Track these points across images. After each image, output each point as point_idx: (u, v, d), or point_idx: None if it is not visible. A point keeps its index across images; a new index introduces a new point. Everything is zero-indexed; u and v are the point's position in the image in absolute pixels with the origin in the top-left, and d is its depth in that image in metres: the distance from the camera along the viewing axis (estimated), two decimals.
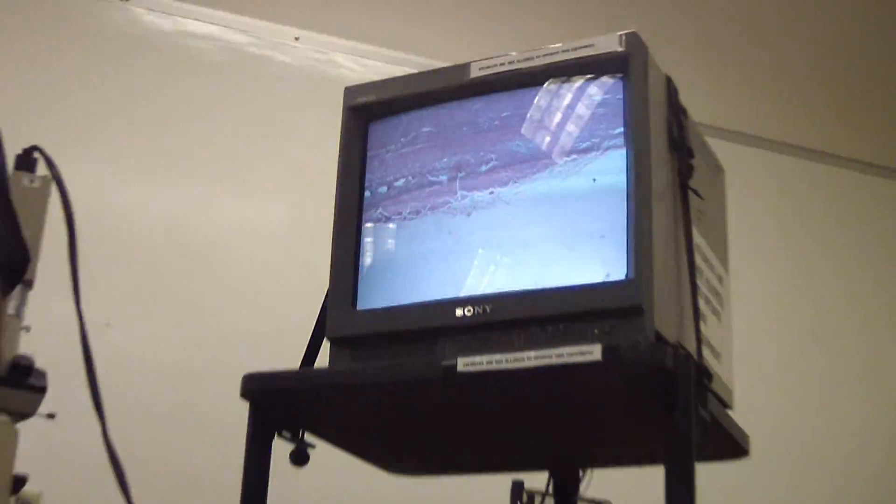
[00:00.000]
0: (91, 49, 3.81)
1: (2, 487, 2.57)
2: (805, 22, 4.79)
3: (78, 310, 2.61)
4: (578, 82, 2.23)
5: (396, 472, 2.77)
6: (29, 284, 2.70)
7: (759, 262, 4.19)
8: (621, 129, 2.15)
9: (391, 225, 2.35)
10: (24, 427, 2.64)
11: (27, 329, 2.67)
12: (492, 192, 2.25)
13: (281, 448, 2.35)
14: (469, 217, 2.25)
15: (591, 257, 2.12)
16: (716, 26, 4.61)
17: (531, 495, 3.24)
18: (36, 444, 2.71)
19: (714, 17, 4.61)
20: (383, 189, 2.37)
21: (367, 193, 2.38)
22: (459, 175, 2.30)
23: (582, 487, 2.73)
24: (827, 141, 4.67)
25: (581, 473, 2.72)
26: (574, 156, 2.19)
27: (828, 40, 4.80)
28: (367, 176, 2.39)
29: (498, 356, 2.04)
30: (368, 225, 2.37)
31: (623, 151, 2.14)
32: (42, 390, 2.64)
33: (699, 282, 2.21)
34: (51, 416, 2.71)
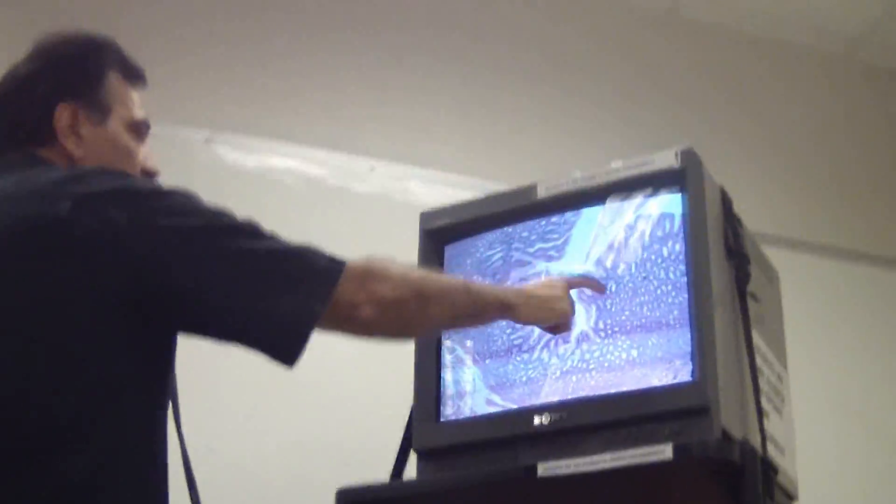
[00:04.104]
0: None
1: None
2: (854, 129, 4.90)
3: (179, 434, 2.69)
4: (639, 197, 2.34)
5: None
6: None
7: (815, 359, 4.23)
8: (681, 240, 2.25)
9: (468, 342, 2.45)
10: None
11: None
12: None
13: None
14: (540, 330, 2.34)
15: (658, 361, 2.22)
16: (768, 137, 4.71)
17: None
18: None
19: (766, 129, 4.72)
20: None
21: None
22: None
23: None
24: (876, 243, 4.75)
25: None
26: (637, 267, 2.30)
27: (878, 146, 4.91)
28: None
29: (576, 460, 2.12)
30: (448, 343, 2.46)
31: (684, 261, 2.24)
32: None
33: (760, 381, 2.28)
34: None
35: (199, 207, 1.95)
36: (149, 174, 2.20)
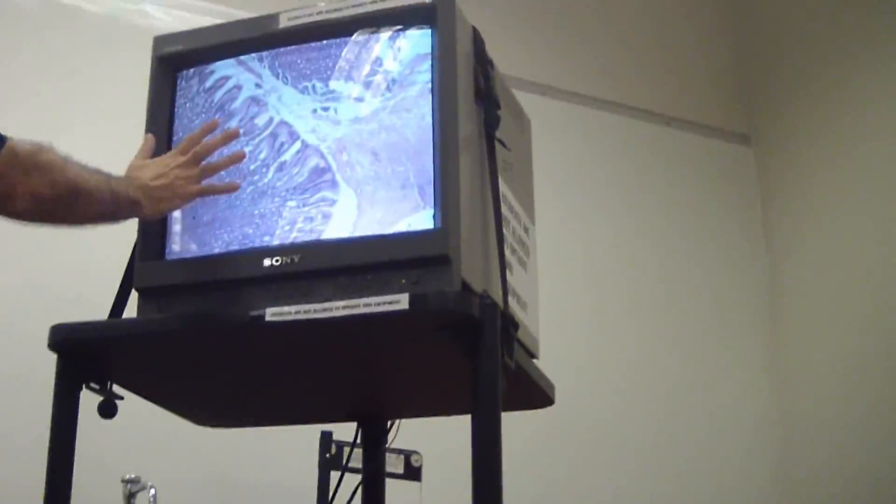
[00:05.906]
0: None
1: None
2: None
3: None
4: (387, 33, 2.23)
5: (206, 424, 2.73)
6: None
7: (562, 211, 4.27)
8: (428, 80, 2.16)
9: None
10: None
11: None
12: (300, 141, 2.24)
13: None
14: (277, 167, 2.25)
15: (398, 207, 2.13)
16: None
17: (340, 446, 3.23)
18: None
19: None
20: None
21: (174, 141, 2.34)
22: (269, 124, 2.28)
23: (390, 438, 2.73)
24: (624, 94, 4.83)
25: (389, 424, 2.72)
26: (381, 106, 2.19)
27: (634, 4, 4.99)
28: (175, 124, 2.35)
29: (305, 306, 2.04)
30: None
31: (430, 101, 2.14)
32: None
33: (506, 231, 2.23)
34: None
35: None
36: None
